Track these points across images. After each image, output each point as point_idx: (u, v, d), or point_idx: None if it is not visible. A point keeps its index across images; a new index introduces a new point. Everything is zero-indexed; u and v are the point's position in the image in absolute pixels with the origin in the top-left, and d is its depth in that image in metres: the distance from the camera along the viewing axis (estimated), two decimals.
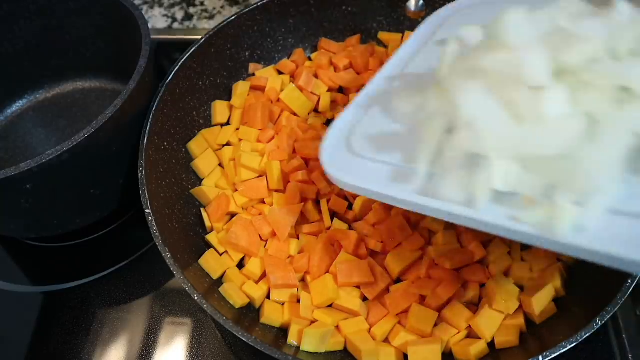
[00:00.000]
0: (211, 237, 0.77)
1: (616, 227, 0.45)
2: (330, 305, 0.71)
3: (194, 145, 0.84)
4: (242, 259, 0.76)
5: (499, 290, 0.68)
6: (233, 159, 0.83)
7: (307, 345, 0.65)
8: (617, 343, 0.73)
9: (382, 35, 1.00)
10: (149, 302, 0.79)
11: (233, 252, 0.76)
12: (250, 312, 0.71)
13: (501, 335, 0.67)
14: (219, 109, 0.89)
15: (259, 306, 0.72)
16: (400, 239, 0.73)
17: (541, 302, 0.68)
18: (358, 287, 0.71)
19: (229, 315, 0.62)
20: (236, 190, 0.80)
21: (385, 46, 0.99)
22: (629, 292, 0.62)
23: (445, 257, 0.71)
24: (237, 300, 0.69)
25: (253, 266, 0.73)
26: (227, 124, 0.89)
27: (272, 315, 0.69)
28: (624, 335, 0.73)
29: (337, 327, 0.69)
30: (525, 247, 0.75)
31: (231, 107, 0.90)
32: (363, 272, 0.70)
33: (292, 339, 0.67)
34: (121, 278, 0.81)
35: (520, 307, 0.69)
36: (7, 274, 0.83)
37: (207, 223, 0.79)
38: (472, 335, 0.68)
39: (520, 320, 0.68)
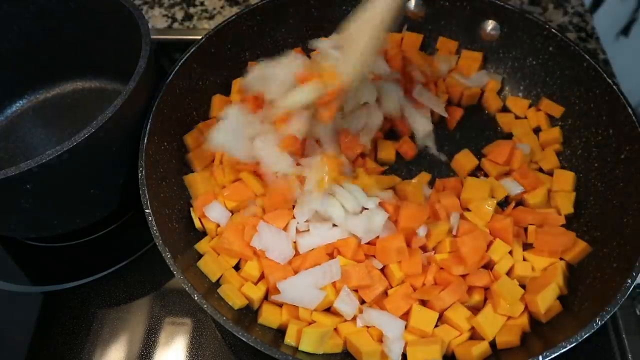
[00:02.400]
0: (200, 246, 0.76)
1: None
2: (328, 309, 0.71)
3: (190, 139, 0.84)
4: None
5: (504, 293, 0.68)
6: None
7: (306, 345, 0.65)
8: (617, 343, 0.73)
9: None
10: (149, 302, 0.79)
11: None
12: (249, 312, 0.71)
13: (502, 335, 0.67)
14: (218, 103, 0.89)
15: (257, 307, 0.72)
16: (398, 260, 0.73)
17: (546, 300, 0.68)
18: (355, 290, 0.71)
19: (228, 315, 0.63)
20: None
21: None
22: (629, 292, 0.62)
23: (454, 263, 0.71)
24: (236, 301, 0.69)
25: (251, 268, 0.73)
26: None
27: (269, 317, 0.69)
28: (624, 335, 0.73)
29: (335, 329, 0.68)
30: (526, 247, 0.76)
31: (230, 103, 0.90)
32: (360, 275, 0.70)
33: (289, 340, 0.67)
34: (121, 278, 0.81)
35: (525, 307, 0.69)
36: (7, 274, 0.83)
37: (197, 223, 0.78)
38: (474, 336, 0.68)
39: (522, 321, 0.68)
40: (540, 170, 0.85)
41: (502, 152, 0.84)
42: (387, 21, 0.73)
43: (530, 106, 0.92)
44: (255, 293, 0.71)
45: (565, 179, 0.81)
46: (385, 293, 0.71)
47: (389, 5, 0.73)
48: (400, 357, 0.66)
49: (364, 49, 0.72)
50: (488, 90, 0.94)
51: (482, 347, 0.66)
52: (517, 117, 0.92)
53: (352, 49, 0.72)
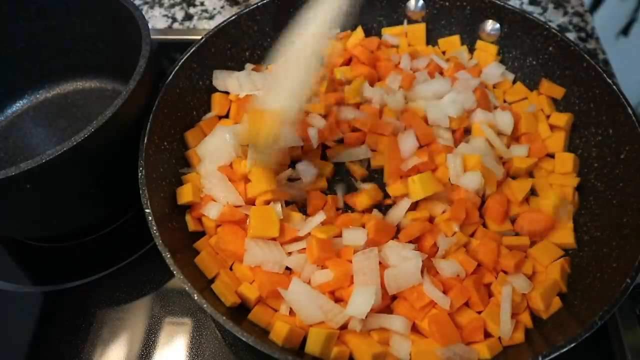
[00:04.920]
0: (199, 244, 0.76)
1: None
2: None
3: (191, 136, 0.84)
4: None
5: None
6: None
7: (313, 347, 0.64)
8: (617, 343, 0.73)
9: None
10: (149, 302, 0.79)
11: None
12: (247, 311, 0.71)
13: None
14: (218, 100, 0.90)
15: (253, 306, 0.71)
16: None
17: (546, 297, 0.68)
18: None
19: (228, 315, 0.62)
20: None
21: None
22: (628, 292, 0.62)
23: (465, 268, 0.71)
24: (229, 298, 0.68)
25: (243, 268, 0.72)
26: (226, 117, 0.90)
27: (259, 314, 0.69)
28: (623, 335, 0.73)
29: (339, 337, 0.67)
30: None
31: (230, 101, 0.90)
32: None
33: (273, 336, 0.66)
34: (121, 278, 0.81)
35: (527, 304, 0.70)
36: (7, 274, 0.83)
37: (190, 226, 0.77)
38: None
39: (524, 317, 0.68)
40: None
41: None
42: (317, 52, 0.70)
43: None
44: (253, 293, 0.70)
45: (567, 161, 0.82)
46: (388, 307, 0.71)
47: (319, 34, 0.69)
48: (409, 357, 0.66)
49: (293, 83, 0.70)
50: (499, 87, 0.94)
51: (492, 344, 0.66)
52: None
53: (281, 84, 0.70)
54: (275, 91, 0.71)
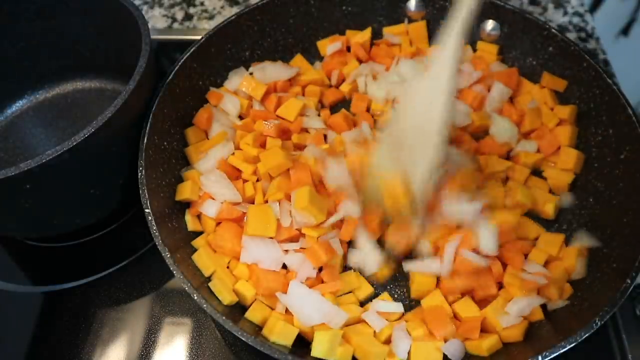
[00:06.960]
0: (196, 242, 0.76)
1: None
2: None
3: (191, 132, 0.85)
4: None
5: (517, 284, 0.69)
6: None
7: (318, 350, 0.64)
8: (616, 343, 0.73)
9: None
10: (149, 302, 0.79)
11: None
12: (244, 310, 0.71)
13: (508, 328, 0.68)
14: (215, 95, 0.90)
15: (249, 304, 0.71)
16: None
17: (558, 283, 0.69)
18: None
19: (228, 315, 0.62)
20: None
21: None
22: (628, 292, 0.62)
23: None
24: (226, 296, 0.69)
25: (241, 267, 0.72)
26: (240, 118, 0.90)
27: (257, 313, 0.69)
28: (623, 335, 0.73)
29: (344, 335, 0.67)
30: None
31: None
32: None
33: (266, 332, 0.66)
34: (121, 278, 0.81)
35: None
36: (7, 274, 0.83)
37: (189, 226, 0.77)
38: (482, 329, 0.69)
39: (535, 309, 0.69)
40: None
41: (511, 111, 0.86)
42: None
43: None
44: (249, 290, 0.70)
45: (569, 158, 0.82)
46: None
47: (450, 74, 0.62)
48: (406, 355, 0.66)
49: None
50: None
51: (492, 340, 0.66)
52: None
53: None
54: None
